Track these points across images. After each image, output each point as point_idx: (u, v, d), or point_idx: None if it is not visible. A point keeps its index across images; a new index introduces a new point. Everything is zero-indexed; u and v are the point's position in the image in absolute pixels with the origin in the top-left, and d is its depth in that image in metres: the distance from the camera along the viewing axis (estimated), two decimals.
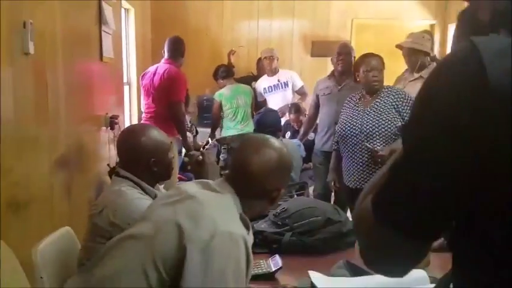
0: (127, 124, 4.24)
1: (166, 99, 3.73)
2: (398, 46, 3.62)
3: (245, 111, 4.51)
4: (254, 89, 4.89)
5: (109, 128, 3.49)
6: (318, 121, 3.81)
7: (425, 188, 0.58)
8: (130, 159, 1.80)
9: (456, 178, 0.56)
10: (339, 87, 3.59)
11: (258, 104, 4.78)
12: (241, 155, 1.36)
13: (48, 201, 2.25)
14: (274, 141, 1.40)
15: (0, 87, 1.77)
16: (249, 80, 5.23)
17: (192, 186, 1.34)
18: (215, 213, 1.19)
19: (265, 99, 4.81)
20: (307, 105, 4.32)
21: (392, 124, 2.68)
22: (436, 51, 4.55)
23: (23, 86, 1.97)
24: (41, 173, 2.18)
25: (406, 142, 0.63)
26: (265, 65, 4.84)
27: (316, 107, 3.76)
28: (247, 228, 1.24)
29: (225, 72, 4.69)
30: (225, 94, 4.53)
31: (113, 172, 3.15)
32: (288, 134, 4.32)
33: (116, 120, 3.56)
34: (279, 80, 4.77)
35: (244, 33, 5.88)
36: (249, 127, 4.40)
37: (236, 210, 1.25)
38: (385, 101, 2.73)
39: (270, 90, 4.80)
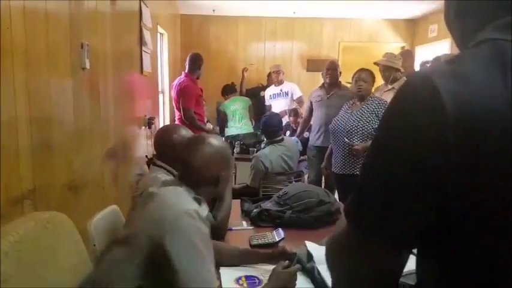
0: (161, 124, 4.25)
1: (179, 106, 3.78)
2: (376, 63, 3.62)
3: (241, 113, 4.70)
4: (263, 97, 5.00)
5: (147, 127, 3.50)
6: (311, 122, 3.80)
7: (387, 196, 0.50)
8: (165, 152, 1.79)
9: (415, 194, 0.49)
10: (328, 95, 3.57)
11: (265, 107, 4.91)
12: (183, 156, 1.26)
13: (100, 185, 2.26)
14: (207, 138, 1.30)
15: (64, 95, 1.79)
16: (258, 90, 5.28)
17: (154, 189, 1.23)
18: (169, 201, 1.13)
19: (270, 104, 4.85)
20: (303, 110, 4.32)
21: (369, 125, 2.68)
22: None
23: (81, 94, 1.97)
24: (94, 162, 2.19)
25: (369, 161, 0.55)
26: (273, 77, 4.88)
27: (310, 111, 3.74)
28: (200, 204, 1.19)
29: (229, 90, 5.01)
30: (224, 103, 4.86)
31: (150, 162, 3.17)
32: (288, 133, 4.31)
33: (153, 121, 3.57)
34: (281, 90, 4.79)
35: (253, 52, 5.87)
36: (247, 125, 4.67)
37: (188, 194, 1.18)
38: (369, 107, 2.73)
39: (274, 97, 4.84)
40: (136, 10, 3.16)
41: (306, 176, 3.68)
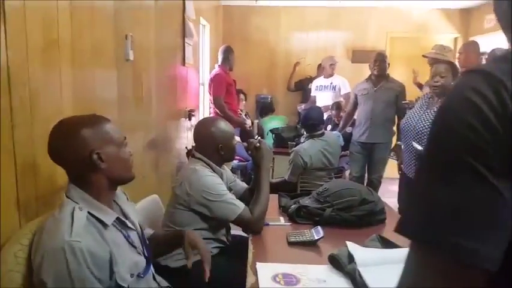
0: (201, 116, 4.30)
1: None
2: (424, 56, 3.46)
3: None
4: (309, 89, 4.96)
5: (187, 119, 3.56)
6: (355, 116, 3.70)
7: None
8: (203, 144, 1.80)
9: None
10: (375, 88, 3.46)
11: (308, 97, 4.89)
12: (49, 154, 1.10)
13: (141, 174, 2.31)
14: (57, 124, 1.11)
15: (109, 86, 1.84)
16: (307, 82, 5.20)
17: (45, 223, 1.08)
18: (43, 239, 1.00)
19: (315, 96, 4.73)
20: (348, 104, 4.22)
21: None
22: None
23: (125, 85, 2.02)
24: (136, 152, 2.22)
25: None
26: (327, 69, 4.70)
27: (355, 105, 3.65)
28: (97, 213, 1.07)
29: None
30: (263, 119, 5.26)
31: (189, 153, 3.22)
32: (329, 127, 4.21)
33: (193, 113, 3.62)
34: (331, 83, 4.66)
35: (296, 43, 5.75)
36: None
37: (69, 213, 1.02)
38: None
39: (321, 89, 4.71)
40: (180, 2, 3.19)
41: (347, 172, 3.59)
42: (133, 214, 1.27)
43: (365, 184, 3.34)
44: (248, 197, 1.84)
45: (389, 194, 3.39)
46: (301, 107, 4.97)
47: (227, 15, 5.75)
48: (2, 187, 1.11)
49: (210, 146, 1.76)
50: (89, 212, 1.05)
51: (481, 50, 3.62)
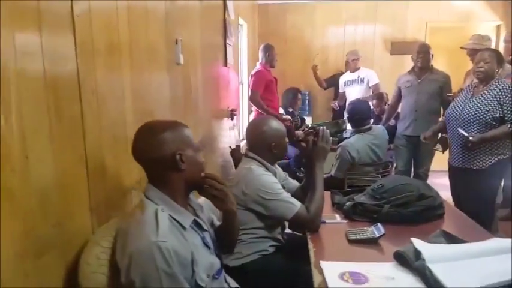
0: (241, 115, 4.31)
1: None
2: (463, 48, 3.33)
3: None
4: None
5: (230, 118, 3.57)
6: (399, 110, 3.58)
7: None
8: (256, 144, 1.80)
9: None
10: (419, 80, 3.34)
11: (337, 93, 4.84)
12: (133, 153, 1.15)
13: None
14: (143, 126, 1.17)
15: (162, 90, 1.87)
16: (338, 76, 5.08)
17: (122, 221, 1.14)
18: (129, 240, 1.02)
19: (344, 91, 4.70)
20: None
21: (488, 114, 2.32)
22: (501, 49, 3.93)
23: (175, 87, 2.05)
24: None
25: None
26: (350, 64, 4.67)
27: (398, 97, 3.53)
28: (177, 215, 1.09)
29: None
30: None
31: (233, 152, 3.23)
32: (371, 120, 4.09)
33: (235, 113, 3.64)
34: (358, 76, 4.60)
35: (332, 38, 5.63)
36: None
37: (152, 214, 1.05)
38: (491, 92, 2.35)
39: (349, 83, 4.66)
40: (221, 3, 3.20)
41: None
42: (206, 213, 1.29)
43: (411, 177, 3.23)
44: (300, 195, 1.81)
45: (436, 187, 3.25)
46: (335, 104, 4.89)
47: (262, 14, 5.72)
48: (77, 192, 1.14)
49: (263, 145, 1.75)
50: (169, 214, 1.08)
51: None
